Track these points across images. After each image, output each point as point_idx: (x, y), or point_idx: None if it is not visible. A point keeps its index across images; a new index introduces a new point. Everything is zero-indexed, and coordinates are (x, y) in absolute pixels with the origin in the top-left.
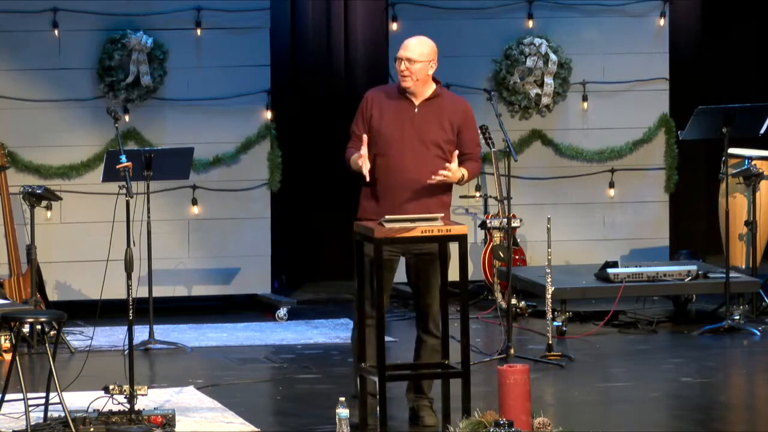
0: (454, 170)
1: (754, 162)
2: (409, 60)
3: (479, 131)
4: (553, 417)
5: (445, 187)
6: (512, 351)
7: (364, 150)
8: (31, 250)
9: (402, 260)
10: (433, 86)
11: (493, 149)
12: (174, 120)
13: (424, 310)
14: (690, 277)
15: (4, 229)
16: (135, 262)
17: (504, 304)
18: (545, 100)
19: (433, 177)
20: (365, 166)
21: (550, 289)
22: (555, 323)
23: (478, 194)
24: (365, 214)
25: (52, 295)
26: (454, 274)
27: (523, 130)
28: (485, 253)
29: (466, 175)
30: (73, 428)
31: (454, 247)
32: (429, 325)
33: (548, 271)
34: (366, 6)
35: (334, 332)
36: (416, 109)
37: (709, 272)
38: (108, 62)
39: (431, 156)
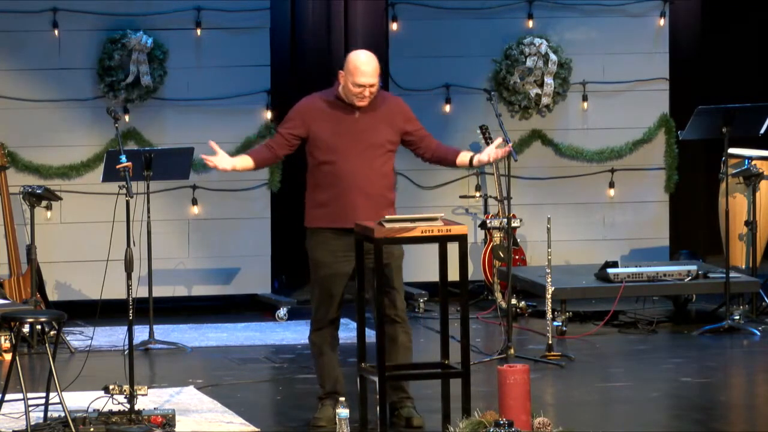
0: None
1: (754, 162)
2: (372, 86)
3: (481, 131)
4: (553, 417)
5: (389, 186)
6: (512, 351)
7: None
8: (31, 250)
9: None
10: None
11: None
12: (174, 120)
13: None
14: (690, 277)
15: (4, 229)
16: (135, 262)
17: (504, 304)
18: (545, 100)
19: (489, 157)
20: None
21: (550, 289)
22: (555, 323)
23: (478, 194)
24: (316, 222)
25: (52, 295)
26: (454, 274)
27: (523, 130)
28: (485, 253)
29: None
30: (73, 428)
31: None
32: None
33: (548, 271)
34: (366, 6)
35: None
36: (357, 114)
37: (709, 272)
38: (108, 62)
39: (376, 158)
